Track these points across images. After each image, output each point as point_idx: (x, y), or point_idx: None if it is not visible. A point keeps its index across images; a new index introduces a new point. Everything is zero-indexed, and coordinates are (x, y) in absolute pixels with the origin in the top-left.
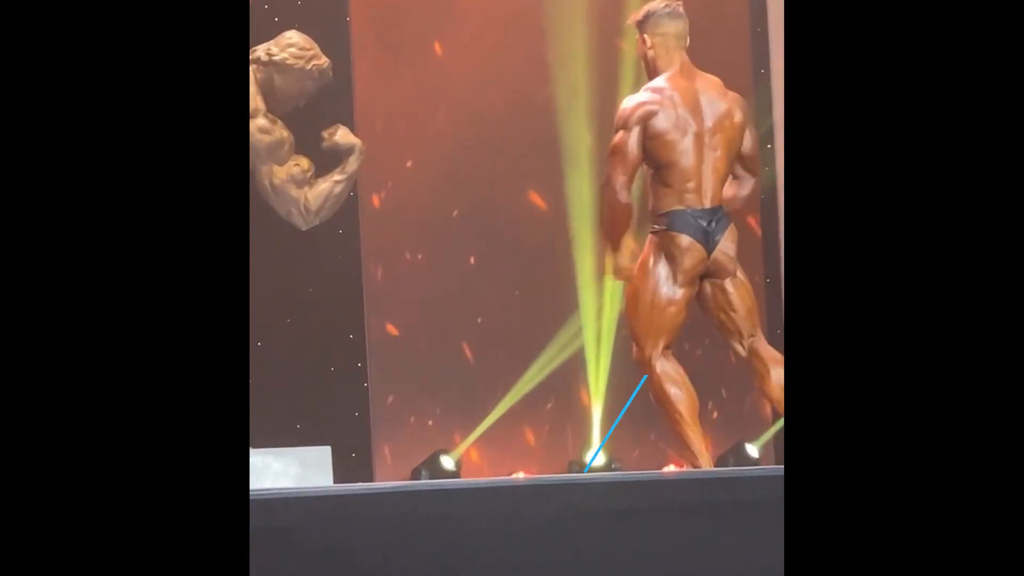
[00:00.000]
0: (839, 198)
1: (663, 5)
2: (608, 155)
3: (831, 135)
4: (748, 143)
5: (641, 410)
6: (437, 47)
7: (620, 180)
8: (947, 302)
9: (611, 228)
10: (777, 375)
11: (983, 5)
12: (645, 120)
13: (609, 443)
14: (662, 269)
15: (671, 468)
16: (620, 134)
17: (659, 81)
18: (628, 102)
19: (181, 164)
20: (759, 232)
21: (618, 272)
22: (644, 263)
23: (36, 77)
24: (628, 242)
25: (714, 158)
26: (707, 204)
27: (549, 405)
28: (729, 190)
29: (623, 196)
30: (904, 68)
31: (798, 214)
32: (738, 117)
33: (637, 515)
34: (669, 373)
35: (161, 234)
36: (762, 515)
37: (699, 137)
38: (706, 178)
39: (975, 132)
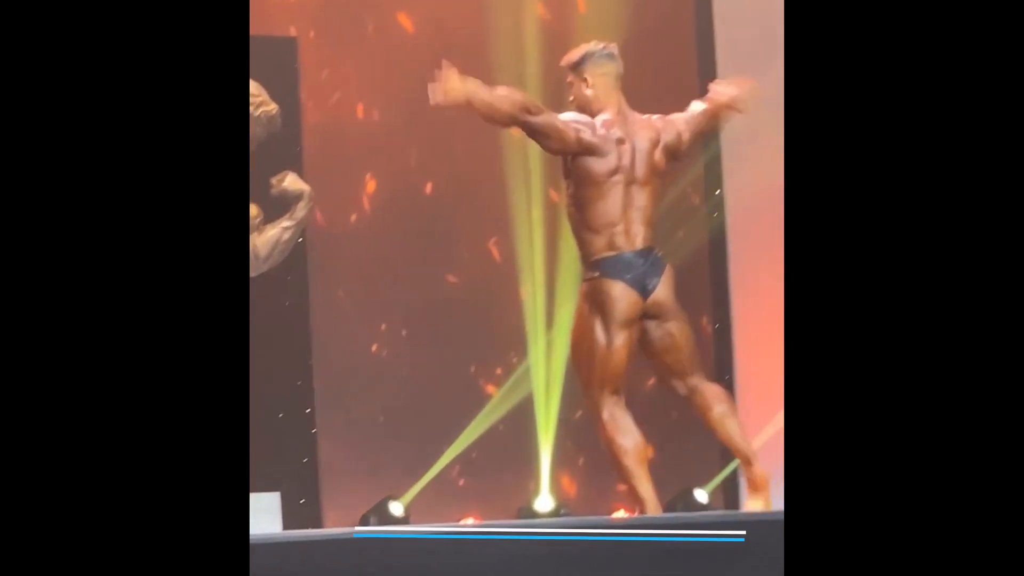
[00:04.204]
0: (839, 202)
1: (601, 46)
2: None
3: (831, 135)
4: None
5: (589, 454)
6: (384, 94)
7: (556, 125)
8: (949, 314)
9: (492, 106)
10: (720, 409)
11: (983, 5)
12: (588, 150)
13: (558, 488)
14: (597, 318)
15: (620, 513)
16: (562, 121)
17: (598, 121)
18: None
19: (179, 159)
20: (706, 277)
21: (445, 87)
22: (581, 313)
23: (38, 67)
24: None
25: (643, 203)
26: (638, 246)
27: (498, 451)
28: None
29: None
30: (903, 69)
31: (798, 218)
32: (661, 162)
33: (586, 559)
34: (616, 421)
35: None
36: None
37: (630, 182)
38: (634, 221)
39: (975, 132)
